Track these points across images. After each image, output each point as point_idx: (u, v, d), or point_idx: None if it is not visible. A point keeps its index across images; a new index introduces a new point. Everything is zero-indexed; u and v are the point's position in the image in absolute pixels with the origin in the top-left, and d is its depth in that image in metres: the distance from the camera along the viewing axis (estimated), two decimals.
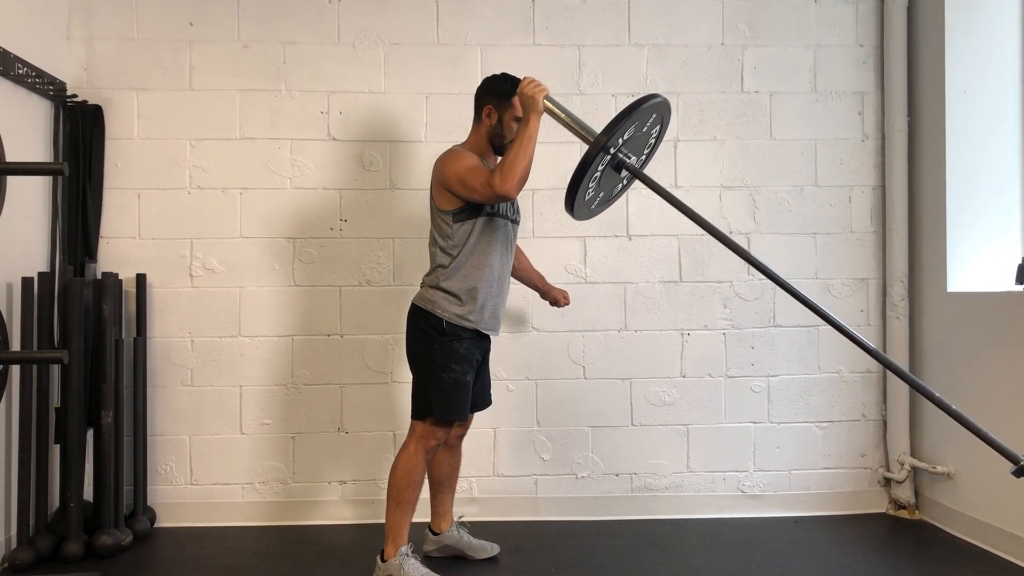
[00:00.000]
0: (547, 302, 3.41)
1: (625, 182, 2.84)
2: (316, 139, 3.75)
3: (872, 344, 2.40)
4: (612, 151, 2.53)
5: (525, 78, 2.80)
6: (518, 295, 3.74)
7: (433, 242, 2.97)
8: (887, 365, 2.40)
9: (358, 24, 3.76)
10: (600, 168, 2.55)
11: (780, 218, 3.86)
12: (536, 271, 3.42)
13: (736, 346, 3.85)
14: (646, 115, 2.57)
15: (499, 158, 3.00)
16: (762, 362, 3.86)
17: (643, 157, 2.83)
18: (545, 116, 2.79)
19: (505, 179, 2.72)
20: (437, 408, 2.86)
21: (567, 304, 3.38)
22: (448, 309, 2.87)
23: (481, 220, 2.89)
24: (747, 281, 3.84)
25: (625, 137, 2.55)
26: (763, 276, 3.77)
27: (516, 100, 2.94)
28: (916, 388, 2.32)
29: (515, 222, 3.06)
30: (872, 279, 3.89)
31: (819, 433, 3.87)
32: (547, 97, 2.76)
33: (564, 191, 3.74)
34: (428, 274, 2.99)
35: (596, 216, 2.98)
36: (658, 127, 2.75)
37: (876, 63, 3.90)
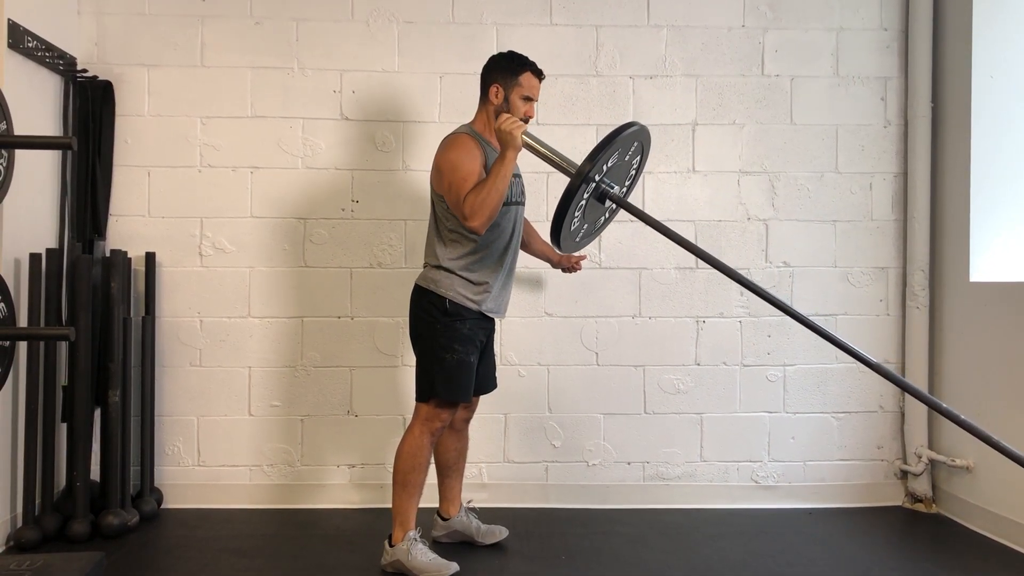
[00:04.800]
0: (559, 271, 3.42)
1: (608, 214, 2.85)
2: (328, 118, 3.70)
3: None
4: (595, 180, 2.52)
5: (500, 115, 2.75)
6: (531, 280, 3.69)
7: (434, 223, 2.93)
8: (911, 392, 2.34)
9: (372, 1, 3.70)
10: (584, 198, 2.55)
11: (799, 204, 3.79)
12: (546, 243, 3.38)
13: (752, 334, 3.79)
14: (627, 143, 2.58)
15: None
16: (778, 351, 3.79)
17: (625, 187, 2.83)
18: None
19: (474, 215, 2.69)
20: (440, 389, 2.83)
21: (582, 261, 3.36)
22: (452, 288, 2.83)
23: None
24: (764, 268, 3.78)
25: (608, 165, 2.54)
26: (781, 264, 3.76)
27: (523, 78, 2.90)
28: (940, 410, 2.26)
29: (520, 204, 3.02)
30: (892, 268, 3.81)
31: (835, 424, 3.81)
32: (525, 132, 2.73)
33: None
34: (429, 255, 2.94)
35: (579, 250, 3.02)
36: (639, 156, 2.76)
37: (900, 47, 3.82)
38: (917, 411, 3.75)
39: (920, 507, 3.72)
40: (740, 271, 3.71)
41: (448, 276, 2.85)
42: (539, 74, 2.95)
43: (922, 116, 3.72)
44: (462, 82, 3.70)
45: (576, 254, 3.40)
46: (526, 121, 3.01)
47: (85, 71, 3.56)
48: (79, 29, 3.62)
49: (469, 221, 2.70)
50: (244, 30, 3.68)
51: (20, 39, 3.11)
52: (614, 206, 2.72)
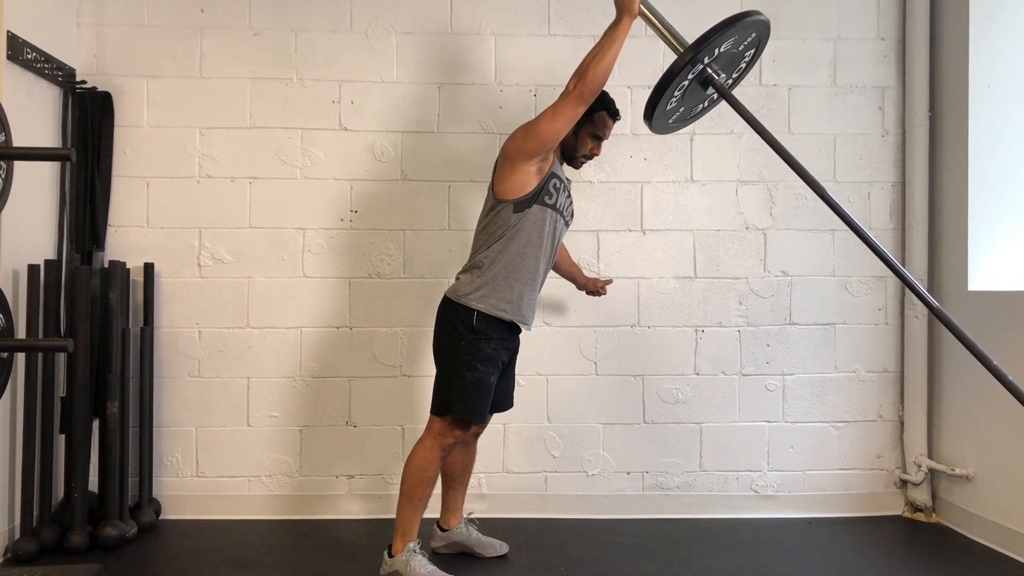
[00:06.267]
0: (583, 292, 3.44)
1: (707, 103, 2.72)
2: (327, 129, 3.70)
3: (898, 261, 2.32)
4: (703, 63, 2.40)
5: None
6: None
7: (483, 229, 2.88)
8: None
9: (370, 12, 3.71)
10: (687, 80, 2.44)
11: (797, 214, 3.79)
12: (575, 264, 3.42)
13: (751, 344, 3.79)
14: (745, 32, 2.45)
15: (564, 164, 3.00)
16: (777, 360, 3.79)
17: (732, 78, 2.68)
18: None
19: (582, 77, 2.64)
20: (457, 406, 2.79)
21: (607, 285, 3.40)
22: (484, 299, 2.79)
23: (537, 210, 2.80)
24: (763, 278, 3.78)
25: (720, 50, 2.42)
26: (780, 273, 3.75)
27: (597, 117, 2.90)
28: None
29: (566, 221, 2.99)
30: (891, 277, 3.81)
31: (834, 433, 3.81)
32: (643, 1, 2.66)
33: (579, 184, 3.73)
34: (468, 260, 2.91)
35: (670, 133, 2.84)
36: (753, 50, 2.62)
37: (898, 57, 3.83)
38: (917, 420, 3.75)
39: (920, 516, 3.72)
40: (738, 280, 3.77)
41: (488, 279, 2.80)
42: (615, 115, 2.96)
43: (919, 125, 3.73)
44: (460, 92, 3.71)
45: (602, 279, 3.40)
46: (590, 158, 3.00)
47: (84, 82, 3.57)
48: (78, 40, 3.63)
49: (576, 89, 2.64)
50: (243, 41, 3.69)
51: (19, 51, 3.12)
52: (715, 95, 2.59)
